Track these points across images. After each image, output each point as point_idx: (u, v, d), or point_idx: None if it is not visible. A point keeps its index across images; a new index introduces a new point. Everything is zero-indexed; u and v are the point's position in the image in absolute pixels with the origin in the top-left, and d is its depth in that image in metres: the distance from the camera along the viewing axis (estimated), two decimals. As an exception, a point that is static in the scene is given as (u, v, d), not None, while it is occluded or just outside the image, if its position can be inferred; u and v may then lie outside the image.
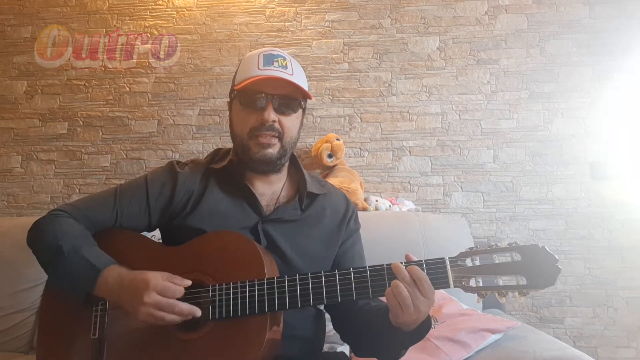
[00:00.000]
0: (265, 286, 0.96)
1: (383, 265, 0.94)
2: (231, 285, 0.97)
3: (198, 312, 0.94)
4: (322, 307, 1.21)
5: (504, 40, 2.45)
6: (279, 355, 0.99)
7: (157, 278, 0.94)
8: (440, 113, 2.44)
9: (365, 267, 0.95)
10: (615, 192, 2.32)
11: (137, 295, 0.92)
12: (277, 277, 0.98)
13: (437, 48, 2.47)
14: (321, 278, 0.96)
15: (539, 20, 2.44)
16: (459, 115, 2.43)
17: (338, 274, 0.96)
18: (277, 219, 1.13)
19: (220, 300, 0.96)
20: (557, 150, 2.38)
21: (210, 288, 0.98)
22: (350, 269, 0.96)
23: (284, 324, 0.99)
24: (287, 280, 0.97)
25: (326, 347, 1.29)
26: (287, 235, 1.12)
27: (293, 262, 1.10)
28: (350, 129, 2.47)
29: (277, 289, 0.96)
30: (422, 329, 0.94)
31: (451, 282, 0.90)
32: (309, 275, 0.97)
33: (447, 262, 0.91)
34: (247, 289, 0.96)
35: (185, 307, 0.93)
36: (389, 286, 0.90)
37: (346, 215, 1.22)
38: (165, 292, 0.93)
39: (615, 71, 2.38)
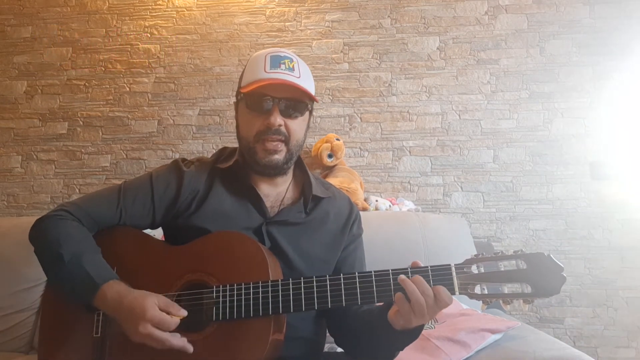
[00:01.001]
0: (270, 289, 0.96)
1: (388, 270, 0.93)
2: (235, 286, 0.97)
3: (190, 349, 0.93)
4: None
5: (504, 40, 2.45)
6: (281, 357, 0.99)
7: (154, 308, 0.92)
8: (440, 113, 2.44)
9: (371, 271, 0.94)
10: (615, 192, 2.32)
11: (134, 321, 0.91)
12: (281, 280, 0.97)
13: (437, 48, 2.47)
14: (326, 282, 0.95)
15: (539, 20, 2.44)
16: (459, 115, 2.44)
17: (343, 277, 0.95)
18: (282, 222, 1.12)
19: (224, 302, 0.96)
20: (557, 150, 2.38)
21: (214, 289, 0.97)
22: (355, 273, 0.95)
23: (286, 325, 0.99)
24: (292, 283, 0.96)
25: (327, 348, 1.29)
26: (290, 238, 1.11)
27: (295, 265, 1.10)
28: (350, 129, 2.47)
29: (282, 292, 0.95)
30: (419, 328, 0.95)
31: (456, 289, 0.90)
32: (314, 278, 0.96)
33: (453, 268, 0.91)
34: (252, 290, 0.96)
35: (177, 343, 0.92)
36: (394, 292, 0.90)
37: (349, 220, 1.21)
38: (160, 325, 0.91)
39: (615, 71, 2.39)
